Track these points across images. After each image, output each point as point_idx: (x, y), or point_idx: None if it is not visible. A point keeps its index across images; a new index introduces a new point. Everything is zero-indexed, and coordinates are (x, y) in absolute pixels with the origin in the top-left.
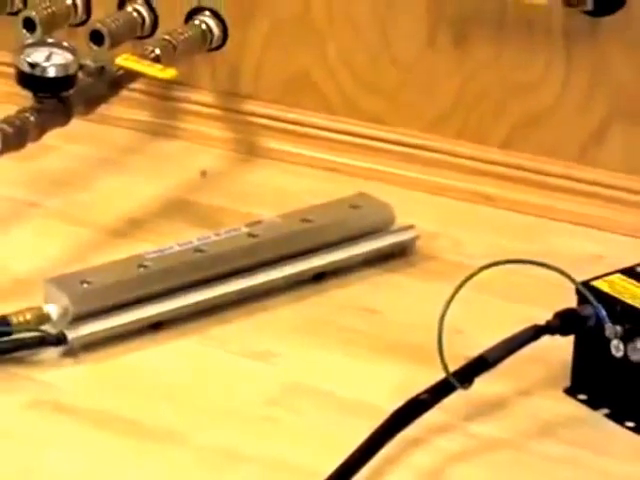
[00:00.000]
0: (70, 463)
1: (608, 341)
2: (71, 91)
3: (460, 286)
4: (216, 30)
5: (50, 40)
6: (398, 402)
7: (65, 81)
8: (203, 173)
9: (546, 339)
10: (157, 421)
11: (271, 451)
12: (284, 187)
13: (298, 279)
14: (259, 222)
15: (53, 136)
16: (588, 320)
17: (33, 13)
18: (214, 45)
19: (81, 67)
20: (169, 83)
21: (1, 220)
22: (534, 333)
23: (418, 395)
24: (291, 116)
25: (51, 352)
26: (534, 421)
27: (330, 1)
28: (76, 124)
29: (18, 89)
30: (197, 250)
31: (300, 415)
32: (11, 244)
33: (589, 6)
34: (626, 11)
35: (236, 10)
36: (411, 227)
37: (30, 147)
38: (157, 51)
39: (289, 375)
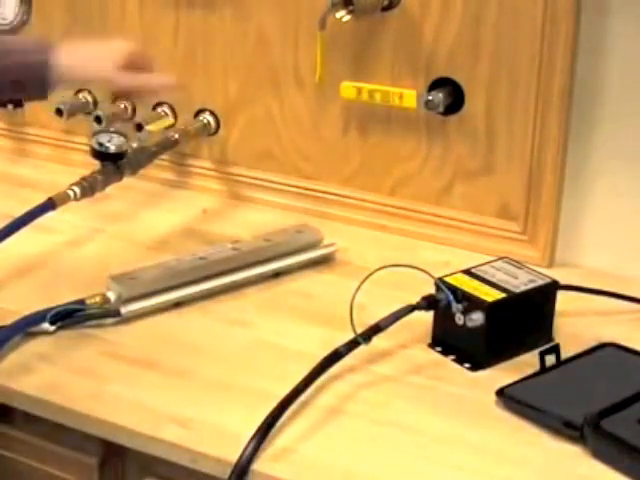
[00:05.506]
0: (122, 388)
1: (454, 314)
2: (123, 160)
3: (363, 281)
4: (213, 123)
5: (110, 129)
6: (325, 352)
7: (120, 155)
8: (204, 211)
9: (416, 313)
10: (175, 362)
11: (248, 382)
12: (255, 220)
13: (264, 276)
14: (239, 241)
15: (112, 188)
16: (442, 301)
17: (100, 112)
18: (212, 132)
19: (129, 146)
20: (183, 154)
21: (79, 240)
22: (409, 309)
23: (338, 348)
24: (260, 176)
25: (110, 321)
26: (408, 363)
27: (283, 106)
28: (126, 180)
29: (91, 159)
30: (201, 258)
31: (264, 359)
32: (85, 254)
33: (441, 109)
34: (461, 114)
35: (225, 110)
36: (333, 244)
37: (98, 195)
38: (176, 136)
39: (258, 334)
